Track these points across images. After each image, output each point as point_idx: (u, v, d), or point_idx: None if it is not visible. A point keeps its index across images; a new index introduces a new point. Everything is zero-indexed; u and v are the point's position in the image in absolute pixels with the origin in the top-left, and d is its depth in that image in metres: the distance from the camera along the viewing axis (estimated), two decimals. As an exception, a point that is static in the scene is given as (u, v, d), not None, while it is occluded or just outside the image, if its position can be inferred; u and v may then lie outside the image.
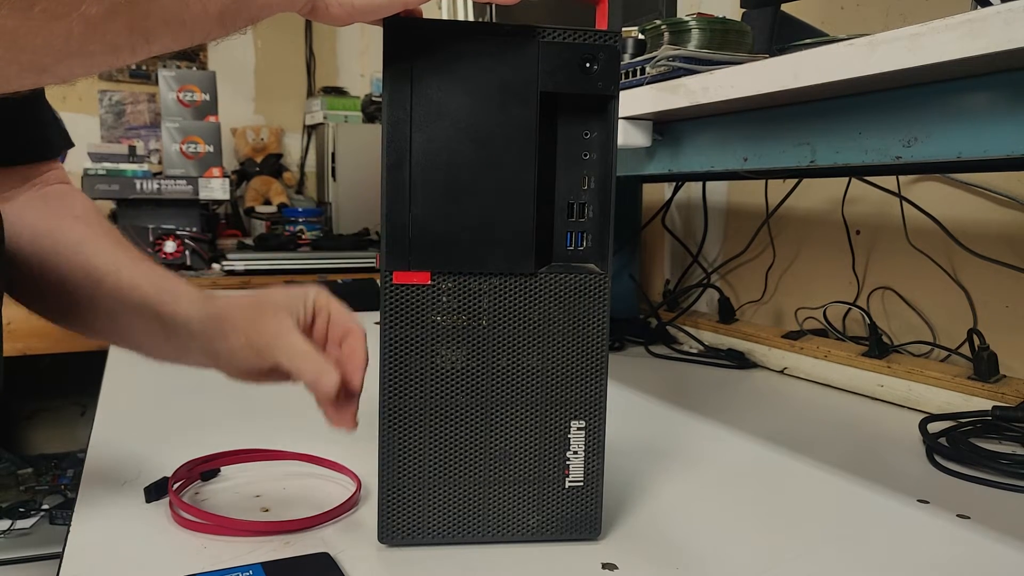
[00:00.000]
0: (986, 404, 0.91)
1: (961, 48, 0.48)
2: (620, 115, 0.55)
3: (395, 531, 0.55)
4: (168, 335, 0.64)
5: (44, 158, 0.74)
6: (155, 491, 0.63)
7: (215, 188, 1.96)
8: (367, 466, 0.68)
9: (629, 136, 0.83)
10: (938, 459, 0.78)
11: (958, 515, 0.66)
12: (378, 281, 0.53)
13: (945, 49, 0.49)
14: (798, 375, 1.15)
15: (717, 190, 1.49)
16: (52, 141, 0.75)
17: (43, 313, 0.70)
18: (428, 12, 0.56)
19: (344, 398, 0.60)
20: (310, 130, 2.61)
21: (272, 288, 0.64)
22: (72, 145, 0.78)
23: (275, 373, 0.63)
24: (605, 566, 0.54)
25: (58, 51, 0.41)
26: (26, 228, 0.67)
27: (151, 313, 0.64)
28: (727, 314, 1.35)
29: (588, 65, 0.52)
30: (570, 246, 0.56)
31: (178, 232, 1.92)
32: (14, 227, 0.66)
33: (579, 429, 0.56)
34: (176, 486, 0.64)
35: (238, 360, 0.62)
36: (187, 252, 1.92)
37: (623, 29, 0.55)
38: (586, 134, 0.55)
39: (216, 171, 2.00)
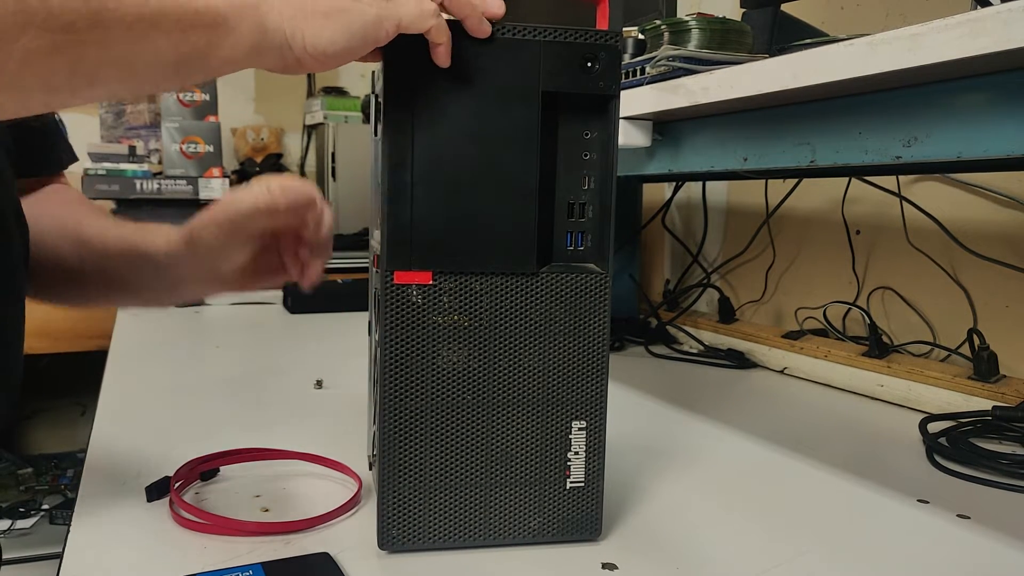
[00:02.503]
0: (986, 404, 0.91)
1: (961, 48, 0.48)
2: (620, 115, 0.55)
3: (395, 537, 0.55)
4: (158, 271, 0.68)
5: (52, 173, 0.77)
6: (157, 491, 0.63)
7: (215, 188, 1.96)
8: (367, 466, 0.68)
9: (629, 136, 0.83)
10: (938, 459, 0.78)
11: (958, 515, 0.66)
12: (368, 279, 0.53)
13: (945, 49, 0.49)
14: (798, 375, 1.15)
15: (717, 190, 1.49)
16: (61, 157, 0.79)
17: (42, 294, 0.74)
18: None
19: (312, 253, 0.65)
20: (310, 130, 2.61)
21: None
22: (76, 159, 0.81)
23: (260, 266, 0.68)
24: (605, 566, 0.54)
25: None
26: (48, 223, 0.72)
27: (136, 255, 0.68)
28: (727, 314, 1.35)
29: (589, 65, 0.52)
30: (570, 246, 0.56)
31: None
32: (38, 227, 0.70)
33: (580, 429, 0.56)
34: (177, 486, 0.64)
35: (217, 256, 0.65)
36: (187, 252, 1.92)
37: (623, 29, 0.55)
38: (586, 134, 0.55)
39: (216, 171, 2.00)
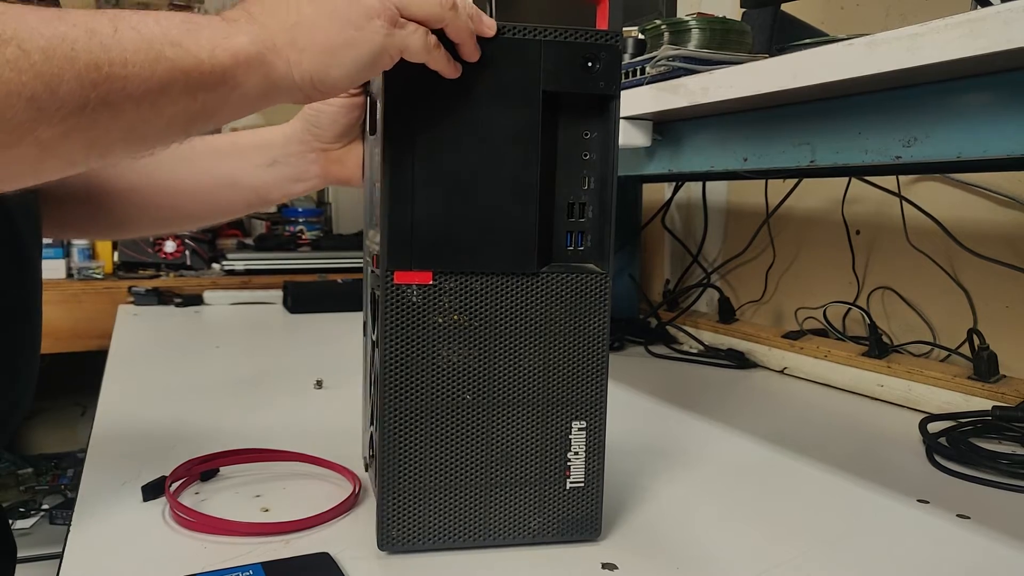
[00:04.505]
0: (986, 404, 0.91)
1: (961, 48, 0.48)
2: (620, 115, 0.55)
3: (395, 538, 0.55)
4: (272, 159, 0.70)
5: None
6: (152, 490, 0.63)
7: (215, 188, 1.95)
8: (363, 467, 0.68)
9: (629, 136, 0.83)
10: (938, 459, 0.78)
11: (958, 515, 0.66)
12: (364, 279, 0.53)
13: (945, 49, 0.48)
14: (798, 375, 1.15)
15: (717, 190, 1.49)
16: None
17: (121, 227, 0.78)
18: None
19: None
20: (310, 130, 2.61)
21: None
22: None
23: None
24: (605, 566, 0.54)
25: (8, 175, 0.40)
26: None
27: (252, 149, 0.71)
28: (727, 314, 1.35)
29: (590, 65, 0.52)
30: (570, 246, 0.56)
31: (178, 232, 1.92)
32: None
33: (580, 430, 0.56)
34: (175, 486, 0.64)
35: (341, 121, 0.66)
36: (187, 252, 1.92)
37: (623, 29, 0.55)
38: (587, 134, 0.55)
39: (216, 171, 2.00)
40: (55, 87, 0.38)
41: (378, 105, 0.53)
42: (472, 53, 0.51)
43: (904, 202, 1.10)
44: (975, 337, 0.97)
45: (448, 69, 0.50)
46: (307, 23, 0.46)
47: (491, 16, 0.52)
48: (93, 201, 0.73)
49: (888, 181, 1.12)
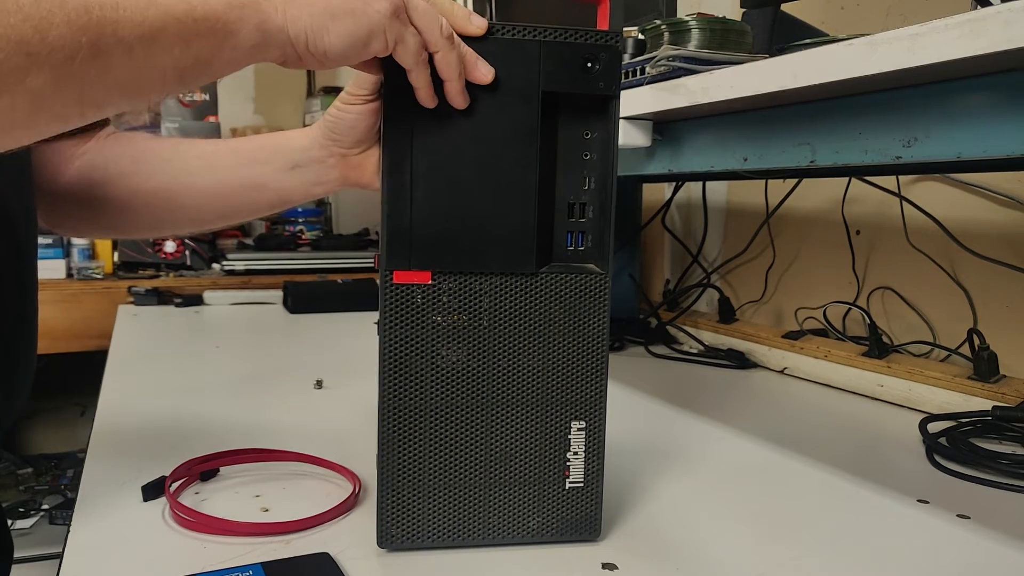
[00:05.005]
0: (986, 404, 0.91)
1: (961, 48, 0.47)
2: (620, 115, 0.55)
3: (394, 535, 0.55)
4: (293, 164, 0.70)
5: (101, 124, 0.78)
6: (153, 490, 0.63)
7: (215, 188, 1.95)
8: (366, 466, 0.68)
9: (629, 136, 0.82)
10: (938, 459, 0.78)
11: (958, 515, 0.66)
12: (377, 281, 0.53)
13: (945, 49, 0.48)
14: (798, 375, 1.15)
15: (717, 190, 1.49)
16: None
17: (153, 227, 0.78)
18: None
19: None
20: (310, 130, 2.61)
21: None
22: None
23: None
24: (605, 566, 0.54)
25: (1, 125, 0.39)
26: (111, 162, 0.74)
27: (274, 154, 0.71)
28: (727, 314, 1.35)
29: (590, 65, 0.52)
30: (570, 246, 0.56)
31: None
32: (104, 168, 0.73)
33: (579, 430, 0.56)
34: (175, 486, 0.64)
35: (360, 127, 0.65)
36: (187, 252, 1.92)
37: (623, 29, 0.55)
38: (587, 134, 0.55)
39: (216, 171, 2.00)
40: (44, 31, 0.37)
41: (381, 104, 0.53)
42: (456, 97, 0.51)
43: (904, 202, 1.10)
44: (975, 337, 0.97)
45: (426, 93, 0.50)
46: None
47: (491, 16, 0.52)
48: (96, 201, 0.73)
49: (888, 181, 1.12)
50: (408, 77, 0.50)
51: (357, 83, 0.61)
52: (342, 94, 0.64)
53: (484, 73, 0.51)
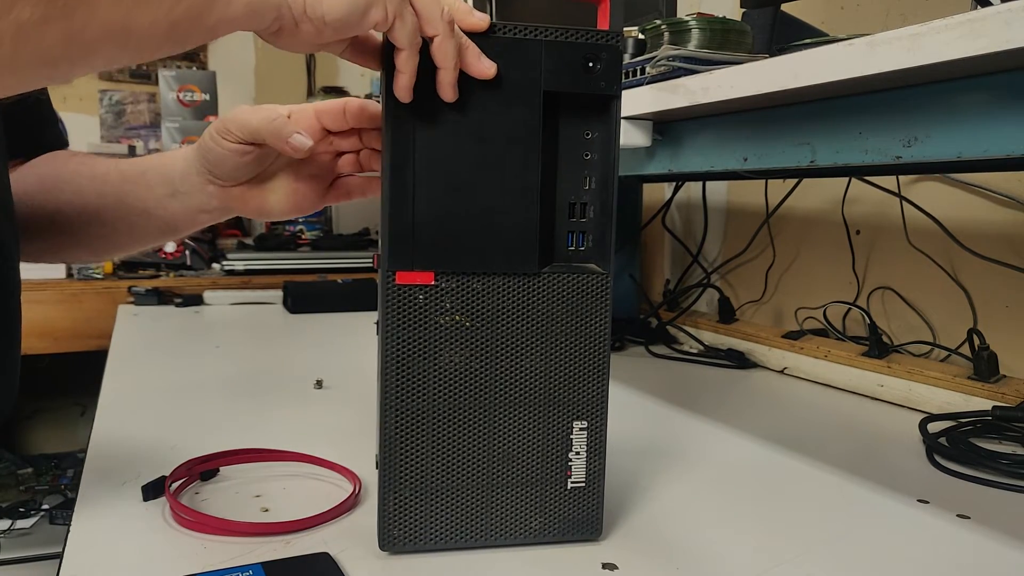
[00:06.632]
0: (986, 404, 0.91)
1: (961, 48, 0.48)
2: (621, 115, 0.55)
3: (396, 538, 0.55)
4: (173, 189, 0.69)
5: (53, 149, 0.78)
6: (153, 490, 0.63)
7: (215, 188, 1.95)
8: (366, 466, 0.68)
9: (629, 136, 0.82)
10: (938, 459, 0.78)
11: (958, 515, 0.66)
12: (377, 281, 0.53)
13: (945, 49, 0.48)
14: (798, 375, 1.16)
15: (717, 190, 1.49)
16: (61, 138, 0.80)
17: (58, 251, 0.78)
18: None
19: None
20: (310, 130, 2.61)
21: None
22: (67, 145, 0.82)
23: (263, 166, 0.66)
24: (605, 566, 0.54)
25: None
26: (32, 181, 0.74)
27: (156, 177, 0.70)
28: (727, 314, 1.35)
29: (591, 65, 0.52)
30: (571, 246, 0.56)
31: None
32: (22, 187, 0.73)
33: (581, 430, 0.56)
34: (175, 486, 0.64)
35: (228, 163, 0.64)
36: (187, 252, 1.92)
37: (624, 29, 0.55)
38: (587, 134, 0.55)
39: (216, 171, 2.00)
40: None
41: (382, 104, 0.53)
42: (447, 88, 0.50)
43: (904, 202, 1.10)
44: (975, 337, 0.97)
45: (406, 80, 0.49)
46: None
47: (491, 16, 0.52)
48: (27, 222, 0.73)
49: (888, 181, 1.12)
50: (395, 58, 0.48)
51: (237, 123, 0.61)
52: (217, 124, 0.63)
53: (486, 67, 0.50)
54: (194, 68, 2.52)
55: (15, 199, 0.72)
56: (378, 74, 0.53)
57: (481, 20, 0.50)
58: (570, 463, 0.56)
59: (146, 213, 0.71)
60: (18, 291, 0.74)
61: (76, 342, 1.68)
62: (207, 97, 2.07)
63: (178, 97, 2.05)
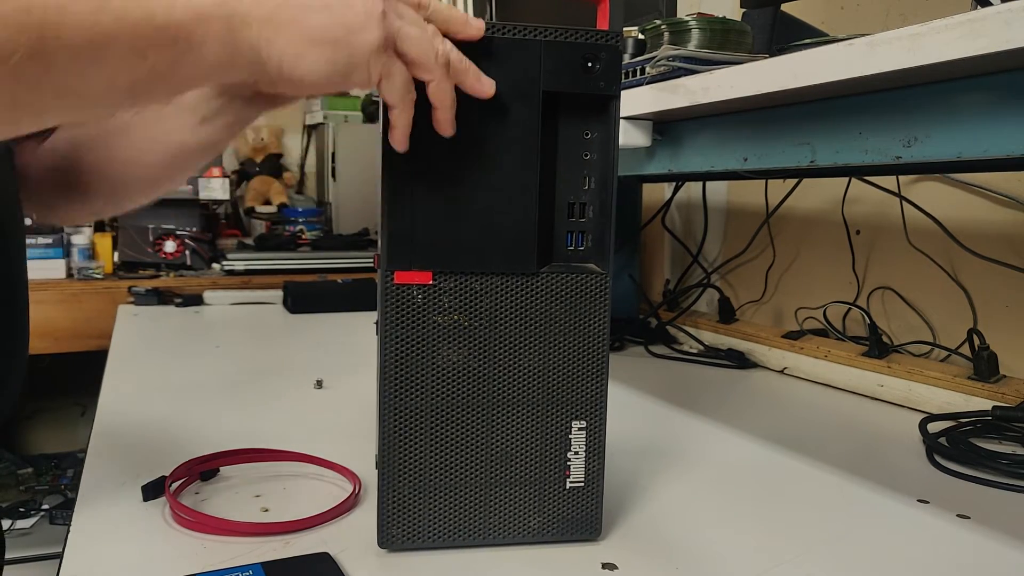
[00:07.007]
0: (986, 404, 0.91)
1: (961, 48, 0.48)
2: (620, 115, 0.55)
3: (395, 536, 0.55)
4: (200, 114, 0.63)
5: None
6: (152, 490, 0.63)
7: (215, 188, 1.96)
8: (366, 466, 0.68)
9: (629, 136, 0.82)
10: (938, 459, 0.78)
11: (958, 515, 0.66)
12: (377, 281, 0.53)
13: (945, 49, 0.48)
14: (798, 375, 1.15)
15: (717, 190, 1.49)
16: None
17: (86, 199, 0.73)
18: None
19: None
20: (310, 130, 2.61)
21: None
22: None
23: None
24: (605, 566, 0.54)
25: None
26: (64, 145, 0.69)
27: (181, 104, 0.64)
28: (727, 314, 1.35)
29: (590, 65, 0.52)
30: (570, 246, 0.56)
31: (178, 232, 1.92)
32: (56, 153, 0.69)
33: (580, 429, 0.56)
34: (175, 486, 0.64)
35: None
36: (187, 252, 1.92)
37: (623, 29, 0.55)
38: (587, 134, 0.55)
39: (216, 171, 2.00)
40: None
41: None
42: (446, 126, 0.49)
43: (904, 202, 1.10)
44: (975, 337, 0.97)
45: (401, 134, 0.48)
46: (297, 4, 0.42)
47: (491, 16, 0.52)
48: (65, 174, 0.71)
49: (888, 181, 1.12)
50: (388, 113, 0.48)
51: None
52: None
53: (486, 88, 0.50)
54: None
55: (53, 167, 0.70)
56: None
57: (478, 30, 0.49)
58: (569, 463, 0.56)
59: (183, 144, 0.67)
60: (24, 274, 0.74)
61: (76, 342, 1.68)
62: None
63: (178, 97, 2.05)
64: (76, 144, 0.71)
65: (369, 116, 2.38)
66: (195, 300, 1.66)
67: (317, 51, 0.43)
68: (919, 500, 0.69)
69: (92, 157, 0.71)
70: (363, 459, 0.69)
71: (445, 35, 0.48)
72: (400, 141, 0.49)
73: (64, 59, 0.37)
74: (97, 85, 0.39)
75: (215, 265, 1.95)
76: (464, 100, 0.51)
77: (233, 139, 0.69)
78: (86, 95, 0.39)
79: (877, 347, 1.06)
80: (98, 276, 1.77)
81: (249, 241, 2.12)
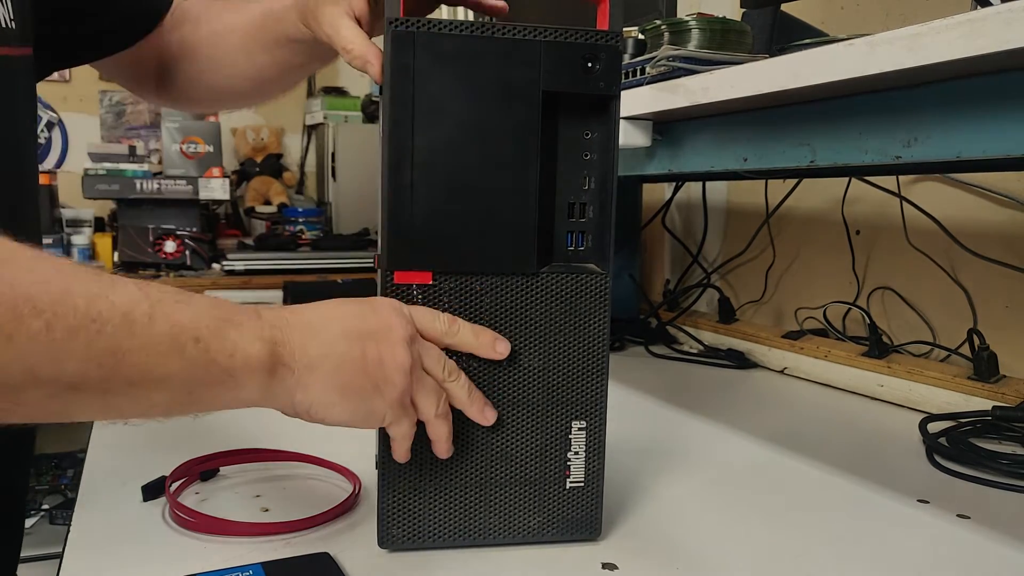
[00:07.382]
0: (986, 404, 0.91)
1: (961, 48, 0.48)
2: (620, 115, 0.55)
3: (395, 536, 0.55)
4: (278, 40, 0.68)
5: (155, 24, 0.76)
6: (153, 490, 0.63)
7: (215, 188, 1.96)
8: (366, 466, 0.68)
9: (629, 136, 0.82)
10: (938, 459, 0.78)
11: (958, 515, 0.66)
12: (377, 281, 0.53)
13: (945, 49, 0.48)
14: (798, 375, 1.15)
15: (717, 190, 1.49)
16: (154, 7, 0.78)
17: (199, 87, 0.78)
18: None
19: None
20: (310, 130, 2.61)
21: None
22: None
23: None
24: (605, 566, 0.54)
25: None
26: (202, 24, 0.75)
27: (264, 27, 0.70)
28: (727, 314, 1.35)
29: (590, 65, 0.52)
30: (571, 246, 0.56)
31: (178, 232, 1.92)
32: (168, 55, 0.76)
33: (580, 429, 0.56)
34: (175, 486, 0.64)
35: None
36: (187, 252, 1.92)
37: (623, 29, 0.55)
38: (587, 134, 0.55)
39: (216, 171, 2.00)
40: (62, 362, 0.36)
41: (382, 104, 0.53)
42: (443, 454, 0.53)
43: (904, 202, 1.10)
44: (975, 337, 0.97)
45: (400, 454, 0.52)
46: (334, 361, 0.46)
47: (491, 16, 0.51)
48: (178, 60, 0.75)
49: (888, 181, 1.12)
50: (390, 439, 0.51)
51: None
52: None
53: (489, 416, 0.53)
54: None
55: (171, 63, 0.75)
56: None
57: (503, 353, 0.53)
58: (569, 463, 0.56)
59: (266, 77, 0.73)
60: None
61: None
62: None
63: (178, 97, 2.05)
64: (184, 50, 0.75)
65: (369, 116, 2.38)
66: (195, 300, 1.66)
67: (345, 402, 0.47)
68: (919, 500, 0.69)
69: (188, 67, 0.76)
70: (363, 459, 0.69)
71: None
72: (401, 457, 0.53)
73: (120, 389, 0.39)
74: (139, 407, 0.41)
75: (215, 265, 1.95)
76: (464, 100, 0.51)
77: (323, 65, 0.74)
78: (124, 412, 0.41)
79: (877, 347, 1.06)
80: (98, 276, 1.76)
81: (249, 241, 2.12)
